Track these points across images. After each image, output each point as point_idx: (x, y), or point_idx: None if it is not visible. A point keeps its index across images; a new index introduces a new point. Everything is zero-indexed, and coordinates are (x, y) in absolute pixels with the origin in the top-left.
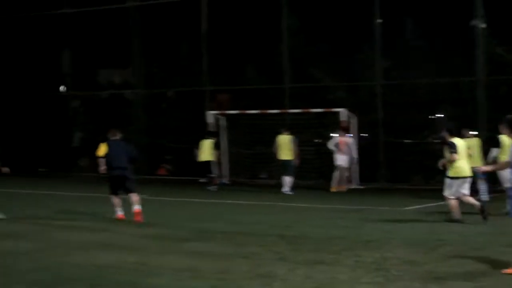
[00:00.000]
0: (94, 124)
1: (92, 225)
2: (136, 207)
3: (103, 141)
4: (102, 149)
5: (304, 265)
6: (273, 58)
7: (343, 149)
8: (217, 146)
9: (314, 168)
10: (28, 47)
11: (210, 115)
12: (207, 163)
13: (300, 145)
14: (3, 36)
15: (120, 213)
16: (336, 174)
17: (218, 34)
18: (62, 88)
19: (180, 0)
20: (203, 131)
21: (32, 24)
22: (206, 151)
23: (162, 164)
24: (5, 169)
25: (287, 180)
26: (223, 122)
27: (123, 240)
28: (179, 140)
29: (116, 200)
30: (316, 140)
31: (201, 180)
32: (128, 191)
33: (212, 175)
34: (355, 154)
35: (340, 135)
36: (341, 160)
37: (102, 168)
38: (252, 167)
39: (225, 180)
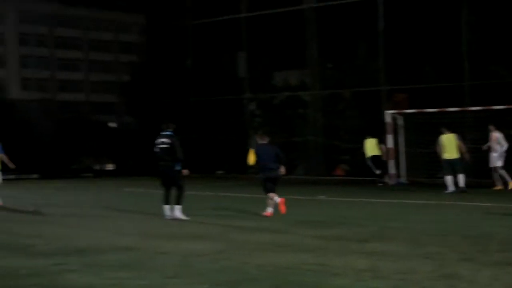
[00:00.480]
0: (270, 126)
1: (270, 226)
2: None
3: (252, 148)
4: (251, 157)
5: (490, 266)
6: (452, 56)
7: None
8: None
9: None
10: (205, 52)
11: (388, 115)
12: (376, 157)
13: (482, 143)
14: (183, 42)
15: (270, 211)
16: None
17: (395, 32)
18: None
19: (356, 0)
20: (378, 131)
21: (210, 29)
22: (370, 148)
23: (339, 164)
24: (185, 171)
25: (460, 178)
26: (400, 121)
27: (302, 241)
28: (355, 140)
29: (271, 199)
30: None
31: (379, 183)
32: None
33: (378, 171)
34: None
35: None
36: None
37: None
38: (430, 166)
39: (403, 180)
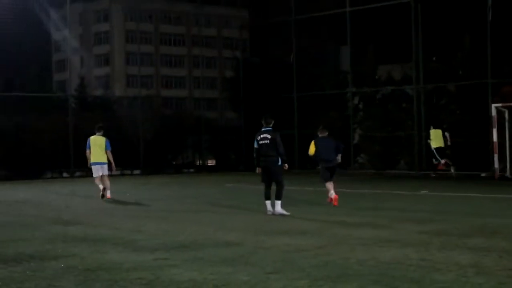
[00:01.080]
0: (373, 120)
1: (372, 221)
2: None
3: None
4: (312, 149)
5: None
6: None
7: None
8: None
9: None
10: (308, 47)
11: (493, 108)
12: (440, 149)
13: None
14: (282, 35)
15: (332, 195)
16: None
17: (502, 24)
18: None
19: None
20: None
21: (313, 24)
22: (436, 139)
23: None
24: (286, 166)
25: None
26: (506, 115)
27: (404, 236)
28: (460, 135)
29: (329, 185)
30: None
31: (482, 174)
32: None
33: (440, 161)
34: None
35: None
36: None
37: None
38: None
39: (508, 174)
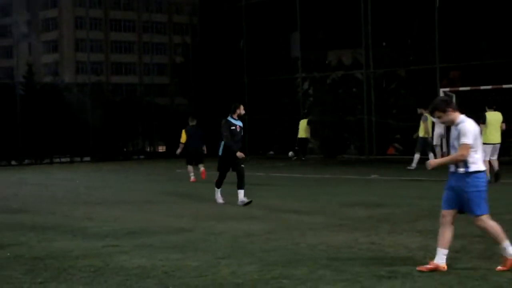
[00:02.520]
0: (323, 105)
1: (322, 206)
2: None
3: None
4: (183, 136)
5: None
6: (508, 31)
7: None
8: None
9: None
10: (258, 32)
11: (442, 93)
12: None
13: None
14: (232, 20)
15: (192, 178)
16: None
17: (450, 9)
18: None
19: None
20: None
21: (263, 9)
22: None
23: (392, 143)
24: (239, 154)
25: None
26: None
27: (354, 220)
28: (409, 119)
29: (190, 168)
30: None
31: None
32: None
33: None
34: None
35: None
36: None
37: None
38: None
39: None
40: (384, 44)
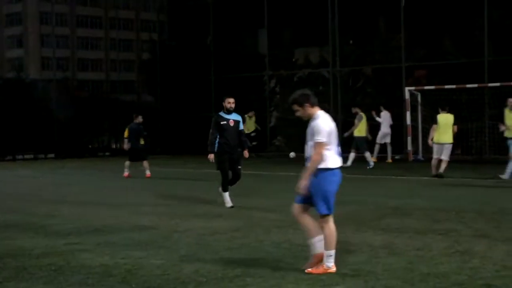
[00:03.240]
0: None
1: (288, 204)
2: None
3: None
4: (126, 132)
5: (504, 242)
6: (472, 31)
7: None
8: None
9: None
10: (226, 29)
11: (407, 91)
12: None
13: (501, 119)
14: (200, 18)
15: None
16: None
17: (416, 8)
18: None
19: None
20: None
21: (231, 7)
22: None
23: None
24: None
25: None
26: (419, 98)
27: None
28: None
29: (127, 163)
30: None
31: (396, 157)
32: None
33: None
34: None
35: None
36: None
37: None
38: None
39: (420, 157)
40: (350, 42)
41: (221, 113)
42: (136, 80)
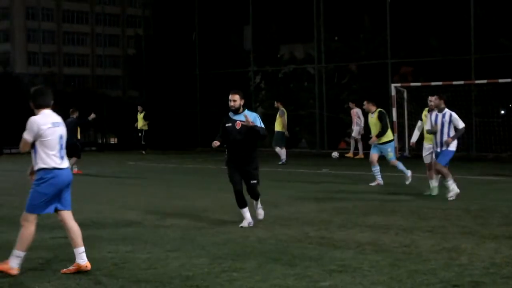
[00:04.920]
0: (275, 99)
1: (273, 200)
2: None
3: None
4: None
5: (492, 239)
6: (458, 29)
7: None
8: None
9: (501, 140)
10: (211, 25)
11: (393, 88)
12: None
13: (487, 116)
14: (185, 13)
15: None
16: None
17: (401, 5)
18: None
19: None
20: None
21: (216, 2)
22: None
23: (343, 138)
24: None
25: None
26: (404, 94)
27: (305, 214)
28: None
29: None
30: (503, 112)
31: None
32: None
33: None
34: None
35: None
36: None
37: None
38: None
39: (407, 153)
40: (336, 38)
41: (230, 113)
42: (121, 75)
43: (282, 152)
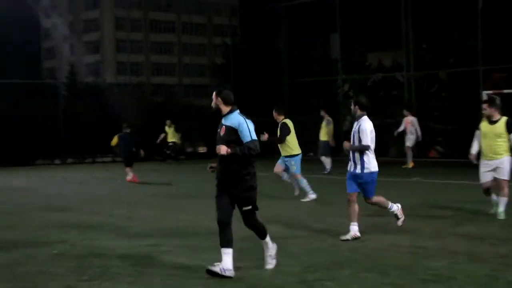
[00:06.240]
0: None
1: (365, 208)
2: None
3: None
4: (114, 140)
5: None
6: None
7: None
8: None
9: None
10: (298, 34)
11: (485, 95)
12: None
13: None
14: (272, 22)
15: (130, 177)
16: None
17: (493, 10)
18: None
19: None
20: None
21: (303, 11)
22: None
23: (434, 146)
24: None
25: None
26: (498, 101)
27: (397, 223)
28: (451, 122)
29: (128, 169)
30: None
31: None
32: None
33: None
34: None
35: None
36: None
37: None
38: None
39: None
40: (424, 46)
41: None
42: (209, 84)
43: (327, 161)
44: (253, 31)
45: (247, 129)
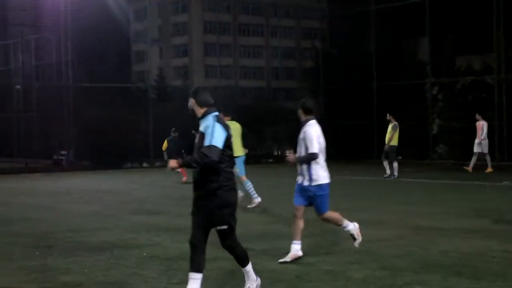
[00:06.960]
0: (452, 110)
1: (453, 212)
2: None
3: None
4: (165, 145)
5: None
6: None
7: None
8: None
9: None
10: (387, 37)
11: None
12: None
13: None
14: (361, 25)
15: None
16: None
17: None
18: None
19: None
20: None
21: (392, 14)
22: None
23: None
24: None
25: None
26: None
27: (487, 227)
28: None
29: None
30: None
31: None
32: None
33: None
34: None
35: None
36: None
37: None
38: None
39: None
40: None
41: None
42: (297, 87)
43: (394, 166)
44: (342, 34)
45: (210, 133)
